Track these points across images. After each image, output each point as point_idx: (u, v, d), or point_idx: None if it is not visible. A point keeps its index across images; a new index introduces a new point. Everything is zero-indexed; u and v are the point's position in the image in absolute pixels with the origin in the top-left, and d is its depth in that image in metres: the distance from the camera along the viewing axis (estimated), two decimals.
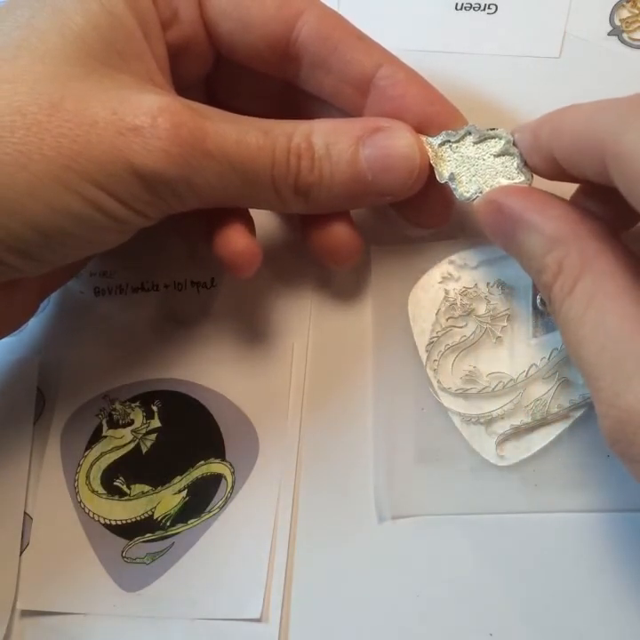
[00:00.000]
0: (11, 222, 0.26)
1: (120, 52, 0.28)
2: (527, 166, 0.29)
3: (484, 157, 0.30)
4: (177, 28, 0.30)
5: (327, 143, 0.29)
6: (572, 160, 0.26)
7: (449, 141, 0.30)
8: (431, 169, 0.30)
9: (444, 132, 0.30)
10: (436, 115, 0.30)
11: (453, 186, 0.30)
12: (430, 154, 0.30)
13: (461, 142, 0.30)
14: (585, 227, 0.26)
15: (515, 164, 0.29)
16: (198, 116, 0.27)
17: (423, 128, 0.30)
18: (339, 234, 0.32)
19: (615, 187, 0.24)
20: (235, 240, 0.31)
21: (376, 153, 0.29)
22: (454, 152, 0.30)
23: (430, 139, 0.30)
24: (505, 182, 0.29)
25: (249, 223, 0.32)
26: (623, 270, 0.25)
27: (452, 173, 0.30)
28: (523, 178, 0.29)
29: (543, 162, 0.28)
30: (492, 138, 0.30)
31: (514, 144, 0.29)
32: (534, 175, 0.29)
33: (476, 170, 0.30)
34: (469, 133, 0.30)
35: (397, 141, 0.29)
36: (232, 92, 0.34)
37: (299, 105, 0.33)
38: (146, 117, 0.26)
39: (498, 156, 0.30)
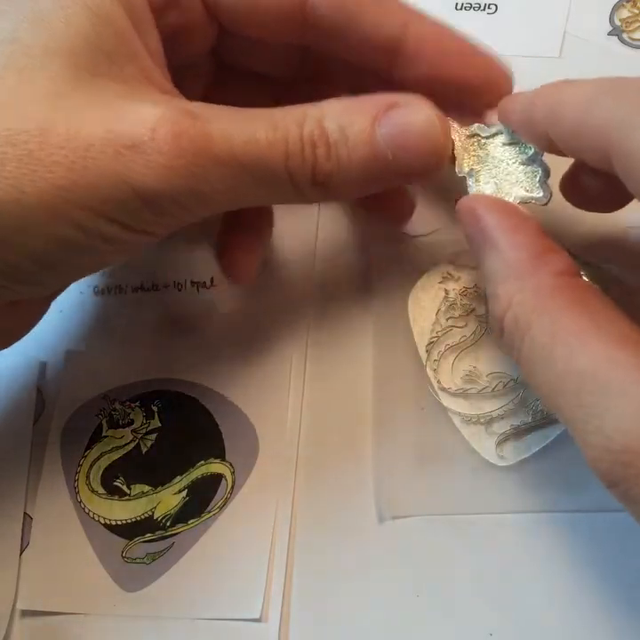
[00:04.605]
0: (6, 254, 0.25)
1: (109, 55, 0.26)
2: (547, 183, 0.29)
3: (509, 162, 0.29)
4: (175, 12, 0.29)
5: (341, 126, 0.27)
6: (570, 146, 0.25)
7: (479, 135, 0.29)
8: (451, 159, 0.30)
9: (476, 125, 0.29)
10: (477, 68, 0.29)
11: (470, 182, 0.29)
12: (457, 143, 0.29)
13: (491, 140, 0.29)
14: (549, 259, 0.25)
15: (537, 178, 0.29)
16: (200, 122, 0.26)
17: (465, 84, 0.29)
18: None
19: (615, 174, 0.23)
20: (236, 257, 0.30)
21: (393, 131, 0.27)
22: (481, 148, 0.29)
23: (461, 129, 0.29)
24: (522, 194, 0.29)
25: (260, 230, 0.31)
26: (588, 307, 0.24)
27: (472, 169, 0.29)
28: (541, 194, 0.29)
29: (537, 140, 0.27)
30: (523, 144, 0.29)
31: (542, 157, 0.29)
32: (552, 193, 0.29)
33: (496, 171, 0.29)
34: (501, 133, 0.29)
35: (415, 117, 0.28)
36: (242, 55, 0.32)
37: (316, 61, 0.32)
38: (144, 131, 0.24)
39: (523, 164, 0.29)
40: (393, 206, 0.33)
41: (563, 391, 0.23)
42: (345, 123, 0.27)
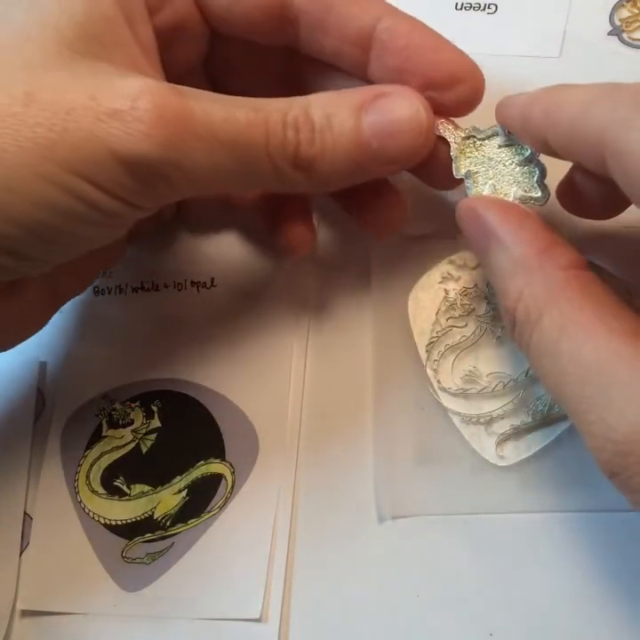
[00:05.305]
0: None
1: (99, 41, 0.27)
2: (545, 183, 0.29)
3: (506, 163, 0.29)
4: (168, 11, 0.30)
5: (327, 114, 0.28)
6: (567, 149, 0.26)
7: (474, 137, 0.30)
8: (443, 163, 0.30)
9: (471, 127, 0.30)
10: (444, 62, 0.29)
11: (468, 184, 0.29)
12: (453, 146, 0.30)
13: (487, 141, 0.30)
14: (555, 253, 0.25)
15: (535, 178, 0.29)
16: (182, 96, 0.26)
17: (432, 77, 0.29)
18: (389, 211, 0.32)
19: (611, 178, 0.24)
20: (292, 231, 0.32)
21: (379, 119, 0.28)
22: (477, 150, 0.30)
23: (457, 131, 0.30)
24: (520, 194, 0.29)
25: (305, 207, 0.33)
26: (594, 299, 0.24)
27: (469, 170, 0.30)
28: (539, 194, 0.29)
29: (533, 143, 0.28)
30: (519, 145, 0.29)
31: (538, 156, 0.29)
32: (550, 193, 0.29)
33: (494, 173, 0.29)
34: (497, 134, 0.30)
35: (401, 104, 0.28)
36: (232, 72, 0.33)
37: (301, 78, 0.32)
38: (125, 100, 0.24)
39: (520, 164, 0.29)
40: (385, 214, 0.33)
41: (568, 382, 0.23)
42: (331, 110, 0.28)
